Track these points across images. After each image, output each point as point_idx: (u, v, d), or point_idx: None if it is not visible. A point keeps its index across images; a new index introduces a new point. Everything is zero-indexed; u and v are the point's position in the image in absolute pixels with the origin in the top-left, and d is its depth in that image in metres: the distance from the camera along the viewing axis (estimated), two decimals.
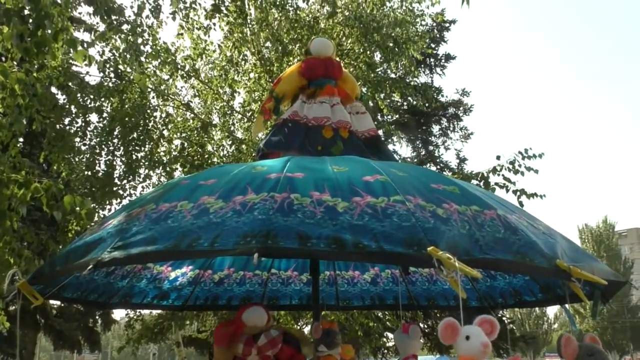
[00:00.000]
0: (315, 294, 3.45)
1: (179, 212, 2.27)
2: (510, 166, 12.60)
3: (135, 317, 16.65)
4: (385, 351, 17.24)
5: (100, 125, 11.42)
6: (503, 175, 12.54)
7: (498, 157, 12.93)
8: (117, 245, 2.18)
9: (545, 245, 2.39)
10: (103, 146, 11.18)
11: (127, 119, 10.98)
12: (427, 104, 17.58)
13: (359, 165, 2.64)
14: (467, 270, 1.98)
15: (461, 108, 21.60)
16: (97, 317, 19.82)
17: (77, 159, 10.55)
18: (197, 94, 13.69)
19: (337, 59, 3.54)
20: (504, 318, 20.02)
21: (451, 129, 22.03)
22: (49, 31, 4.70)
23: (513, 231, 2.36)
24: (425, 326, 16.04)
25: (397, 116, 18.49)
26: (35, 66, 6.19)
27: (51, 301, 18.95)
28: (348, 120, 3.35)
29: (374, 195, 2.28)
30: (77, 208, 5.11)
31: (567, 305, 3.29)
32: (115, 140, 11.31)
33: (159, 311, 16.84)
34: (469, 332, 2.13)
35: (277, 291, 4.37)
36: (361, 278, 4.31)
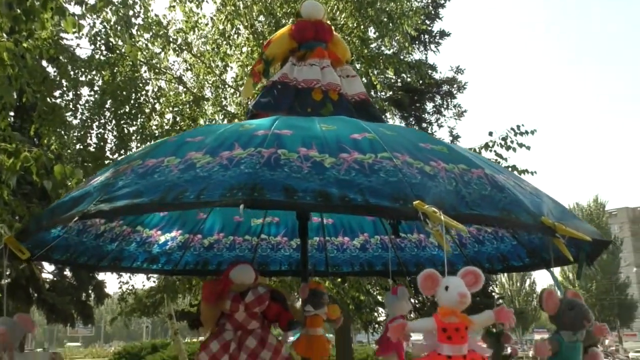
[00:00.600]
0: (303, 256, 3.47)
1: (165, 167, 2.27)
2: (503, 142, 12.65)
3: (127, 290, 16.71)
4: (377, 325, 17.38)
5: (92, 98, 11.35)
6: (495, 151, 12.56)
7: (490, 133, 12.93)
8: (104, 198, 2.18)
9: (531, 203, 2.42)
10: (94, 119, 11.11)
11: (118, 92, 10.90)
12: (420, 81, 17.52)
13: (348, 124, 2.65)
14: (452, 223, 1.99)
15: (455, 85, 21.54)
16: (90, 291, 19.86)
17: (68, 135, 10.49)
18: (189, 67, 13.58)
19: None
20: (493, 294, 20.27)
21: (445, 106, 21.97)
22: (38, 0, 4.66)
23: (500, 189, 2.38)
24: (416, 301, 16.17)
25: (391, 93, 18.43)
26: (25, 35, 6.12)
27: (44, 275, 19.02)
28: (338, 83, 3.34)
29: (361, 152, 2.29)
30: (68, 179, 5.10)
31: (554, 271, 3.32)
32: (107, 114, 11.23)
33: (151, 284, 16.92)
34: (448, 282, 2.16)
35: (266, 257, 4.39)
36: (350, 244, 4.33)
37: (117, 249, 3.79)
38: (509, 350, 3.95)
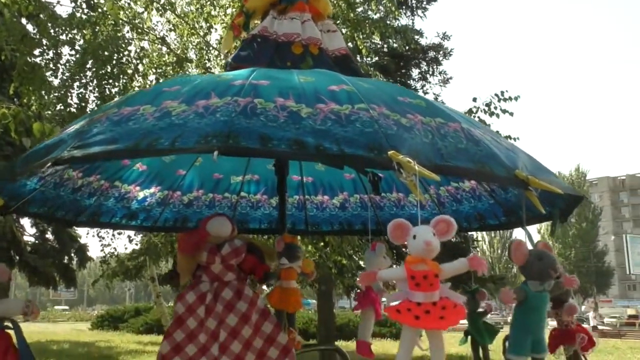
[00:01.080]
0: (281, 211, 3.49)
1: (141, 115, 2.25)
2: (486, 108, 12.69)
3: (109, 253, 16.72)
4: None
5: (73, 58, 11.13)
6: (479, 117, 12.63)
7: (474, 99, 12.98)
8: (77, 145, 2.16)
9: (506, 157, 2.44)
10: (75, 80, 10.93)
11: (100, 52, 10.69)
12: (406, 47, 17.40)
13: (326, 77, 2.63)
14: (425, 173, 2.01)
15: (441, 52, 21.41)
16: (72, 254, 19.83)
17: (49, 94, 10.32)
18: (172, 28, 13.36)
19: None
20: None
21: (430, 73, 21.87)
22: None
23: (475, 143, 2.39)
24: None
25: (377, 58, 18.31)
26: None
27: (25, 237, 18.93)
28: (319, 37, 3.30)
29: (338, 102, 2.29)
30: (47, 137, 5.03)
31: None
32: (88, 74, 11.05)
33: (134, 246, 16.94)
34: (416, 231, 2.20)
35: (246, 214, 4.39)
36: (330, 203, 4.35)
37: (95, 203, 3.77)
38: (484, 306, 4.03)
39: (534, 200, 2.36)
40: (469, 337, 4.12)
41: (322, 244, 12.59)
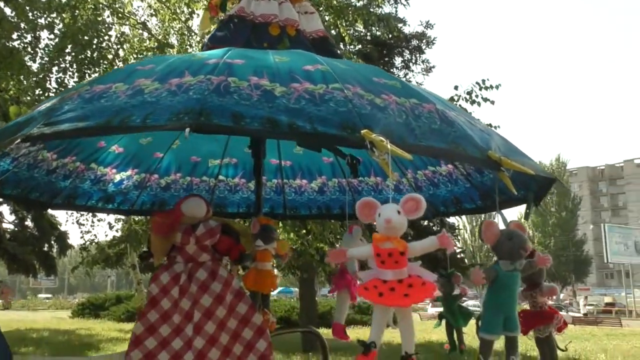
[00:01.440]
0: (258, 193, 3.48)
1: (113, 93, 2.23)
2: (468, 96, 12.76)
3: (89, 240, 16.62)
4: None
5: (52, 42, 10.97)
6: (460, 105, 12.69)
7: (456, 87, 13.06)
8: (48, 122, 2.14)
9: (480, 138, 2.45)
10: (54, 64, 10.78)
11: (79, 36, 10.56)
12: (390, 35, 17.40)
13: (301, 57, 2.62)
14: (398, 152, 2.01)
15: (424, 40, 21.44)
16: (52, 242, 19.65)
17: (27, 81, 10.17)
18: (154, 13, 13.22)
19: None
20: (455, 249, 20.76)
21: (413, 61, 21.90)
22: None
23: (449, 124, 2.40)
24: None
25: (360, 46, 18.30)
26: None
27: (4, 225, 18.72)
28: (296, 19, 3.29)
29: (312, 82, 2.28)
30: None
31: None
32: (68, 59, 10.91)
33: (114, 233, 16.82)
34: (381, 209, 2.22)
35: (224, 198, 4.38)
36: (308, 187, 4.34)
37: (70, 186, 3.73)
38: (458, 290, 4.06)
39: (506, 181, 2.38)
40: (444, 321, 4.16)
41: (304, 231, 12.63)
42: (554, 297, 3.45)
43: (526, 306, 3.12)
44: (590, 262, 74.04)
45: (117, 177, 3.96)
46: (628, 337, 27.46)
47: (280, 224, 13.39)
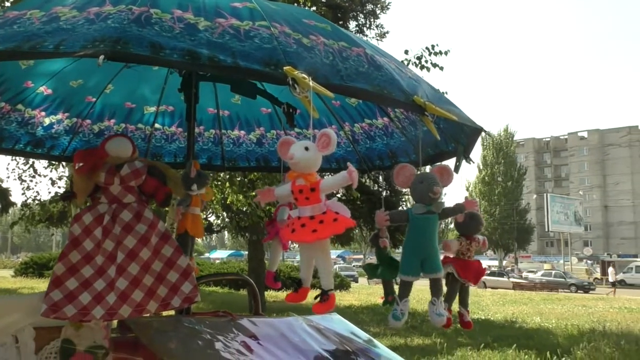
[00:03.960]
0: (189, 140, 3.43)
1: (27, 19, 2.13)
2: (417, 61, 12.82)
3: (32, 198, 16.20)
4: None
5: None
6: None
7: (406, 52, 13.11)
8: None
9: (407, 84, 2.47)
10: None
11: None
12: None
13: None
14: (319, 89, 2.01)
15: (379, 5, 21.37)
16: None
17: None
18: None
19: None
20: None
21: (367, 25, 21.83)
22: None
23: (377, 68, 2.40)
24: None
25: (315, 8, 18.08)
26: None
27: None
28: None
29: (239, 18, 2.24)
30: None
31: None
32: None
33: (57, 189, 16.39)
34: (293, 146, 2.25)
35: (161, 148, 4.30)
36: (246, 138, 4.30)
37: None
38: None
39: (430, 127, 2.41)
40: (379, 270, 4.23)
41: (252, 193, 12.58)
42: (485, 247, 3.53)
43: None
44: (532, 231, 76.94)
45: (47, 121, 3.82)
46: (563, 302, 28.89)
47: (228, 185, 13.33)
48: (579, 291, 43.04)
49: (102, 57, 1.86)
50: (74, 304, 2.50)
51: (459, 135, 3.12)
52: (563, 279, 46.31)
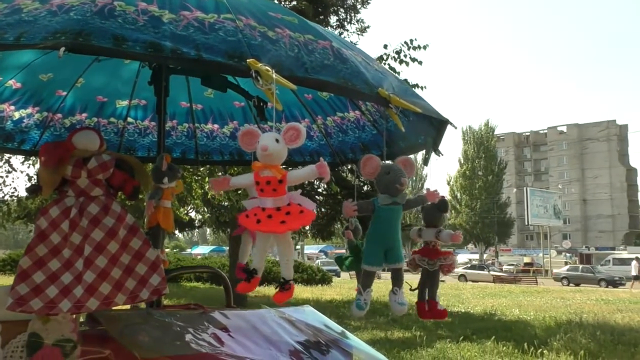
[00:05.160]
0: (160, 130, 3.42)
1: None
2: (396, 56, 12.87)
3: (10, 194, 16.03)
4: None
5: None
6: (389, 64, 12.77)
7: (385, 46, 13.15)
8: None
9: (372, 77, 2.49)
10: None
11: None
12: None
13: None
14: (283, 81, 2.03)
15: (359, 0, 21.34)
16: None
17: None
18: None
19: None
20: None
21: (348, 20, 21.82)
22: None
23: (343, 61, 2.42)
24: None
25: (295, 2, 18.06)
26: None
27: None
28: None
29: (204, 11, 2.24)
30: None
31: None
32: None
33: (26, 184, 16.18)
34: (261, 138, 2.26)
35: (134, 142, 4.28)
36: (220, 132, 4.31)
37: None
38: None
39: (395, 118, 2.44)
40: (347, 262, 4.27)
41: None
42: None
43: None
44: (512, 224, 77.81)
45: (17, 115, 3.79)
46: (542, 294, 29.22)
47: (207, 180, 13.28)
48: (609, 286, 39.91)
49: (62, 48, 1.85)
50: (40, 297, 2.49)
51: (427, 128, 3.15)
52: (592, 274, 43.55)
